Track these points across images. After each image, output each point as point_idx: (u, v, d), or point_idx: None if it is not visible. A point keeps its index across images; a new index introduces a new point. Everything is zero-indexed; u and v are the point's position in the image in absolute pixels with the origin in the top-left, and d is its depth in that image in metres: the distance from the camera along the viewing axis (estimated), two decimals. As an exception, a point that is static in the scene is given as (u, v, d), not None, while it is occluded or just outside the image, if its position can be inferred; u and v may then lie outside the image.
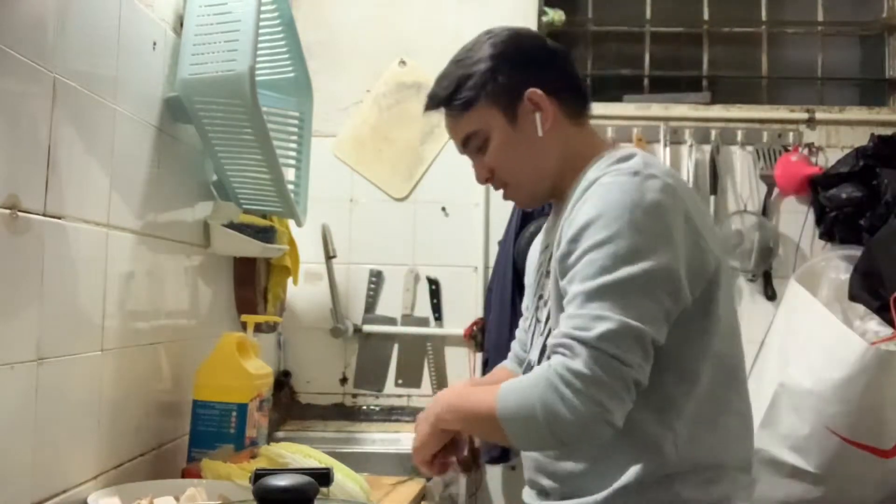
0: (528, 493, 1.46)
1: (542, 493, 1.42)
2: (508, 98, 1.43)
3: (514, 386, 1.27)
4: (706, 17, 3.05)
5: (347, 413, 2.81)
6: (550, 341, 1.25)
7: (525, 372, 1.45)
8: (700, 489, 1.30)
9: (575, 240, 1.28)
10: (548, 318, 1.40)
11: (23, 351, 1.23)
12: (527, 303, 1.59)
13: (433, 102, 1.48)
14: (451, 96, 1.45)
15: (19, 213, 1.21)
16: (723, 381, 1.37)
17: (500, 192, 1.51)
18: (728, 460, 1.34)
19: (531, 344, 1.49)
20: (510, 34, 1.49)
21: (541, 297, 1.47)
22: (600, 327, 1.19)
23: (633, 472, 1.29)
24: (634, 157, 1.36)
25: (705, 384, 1.33)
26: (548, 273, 1.43)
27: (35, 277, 1.26)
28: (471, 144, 1.46)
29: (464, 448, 1.46)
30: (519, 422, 1.24)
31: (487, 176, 1.48)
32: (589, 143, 1.47)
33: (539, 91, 1.43)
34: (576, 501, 1.33)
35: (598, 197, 1.29)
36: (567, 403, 1.17)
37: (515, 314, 1.60)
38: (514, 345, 1.68)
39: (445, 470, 1.45)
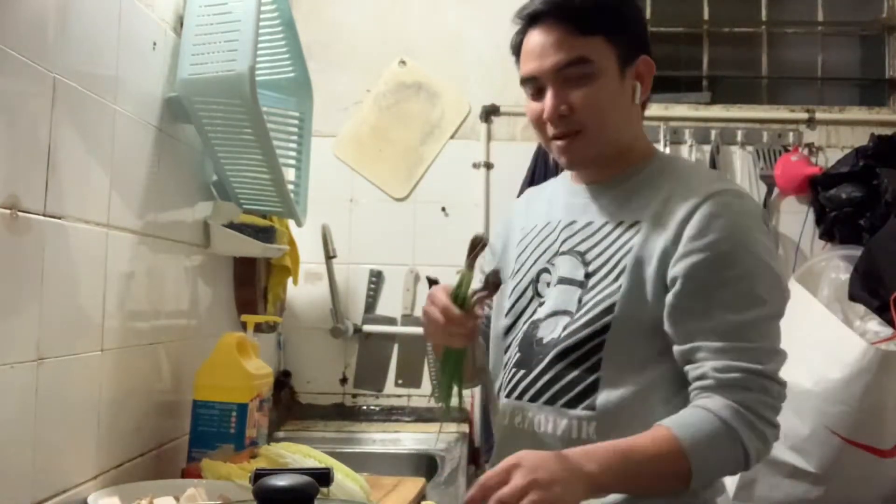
0: None
1: None
2: (628, 49, 1.36)
3: (693, 425, 1.19)
4: (706, 17, 3.05)
5: (347, 413, 2.81)
6: (721, 375, 1.21)
7: (516, 345, 1.39)
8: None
9: (721, 259, 1.24)
10: (580, 301, 1.33)
11: (23, 351, 1.23)
12: (512, 274, 1.47)
13: (558, 9, 1.33)
14: (583, 12, 1.32)
15: (19, 213, 1.21)
16: None
17: (556, 135, 1.36)
18: None
19: (519, 317, 1.41)
20: None
21: (545, 270, 1.40)
22: (778, 360, 1.28)
23: None
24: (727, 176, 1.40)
25: None
26: (578, 252, 1.36)
27: (35, 277, 1.26)
28: (570, 70, 1.32)
29: None
30: (711, 458, 1.20)
31: (564, 112, 1.33)
32: (643, 135, 1.44)
33: (651, 63, 1.39)
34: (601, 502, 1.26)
35: (741, 221, 1.27)
36: (763, 438, 1.24)
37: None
38: None
39: None
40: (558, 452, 1.17)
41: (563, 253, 1.38)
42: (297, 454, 1.65)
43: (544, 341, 1.35)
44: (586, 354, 1.30)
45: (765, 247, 1.28)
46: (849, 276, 2.54)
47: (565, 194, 1.45)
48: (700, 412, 1.20)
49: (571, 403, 1.30)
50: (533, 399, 1.34)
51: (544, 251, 1.42)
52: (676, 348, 1.26)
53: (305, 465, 1.59)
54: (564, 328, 1.33)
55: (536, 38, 1.34)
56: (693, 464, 1.17)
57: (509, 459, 1.14)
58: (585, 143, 1.35)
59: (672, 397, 1.27)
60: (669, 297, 1.26)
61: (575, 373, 1.30)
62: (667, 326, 1.26)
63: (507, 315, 1.45)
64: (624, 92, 1.36)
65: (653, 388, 1.28)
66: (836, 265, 2.62)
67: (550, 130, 1.36)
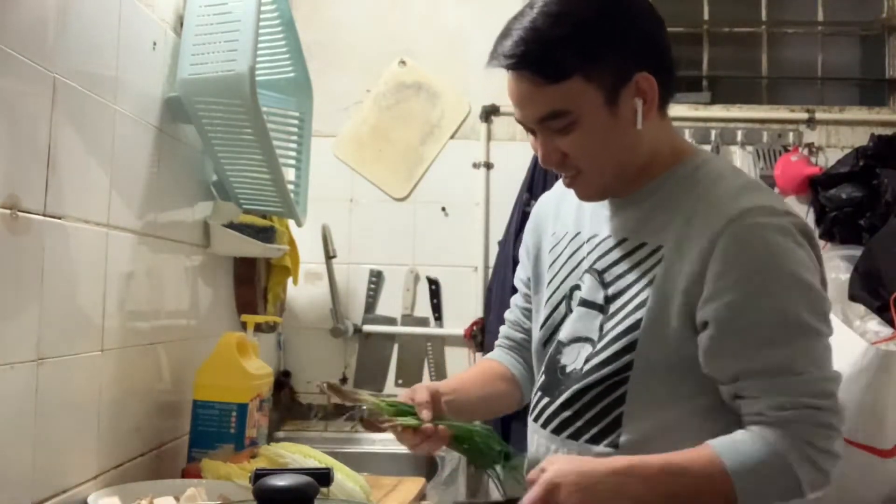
0: None
1: None
2: (614, 77, 1.20)
3: (742, 449, 1.14)
4: (706, 17, 3.04)
5: (347, 413, 2.80)
6: (778, 413, 1.14)
7: (544, 365, 1.36)
8: None
9: (757, 291, 1.16)
10: (601, 329, 1.27)
11: (23, 351, 1.23)
12: (543, 287, 1.42)
13: (514, 61, 1.20)
14: (543, 59, 1.19)
15: (19, 213, 1.21)
16: None
17: (561, 176, 1.31)
18: None
19: (554, 332, 1.36)
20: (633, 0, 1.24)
21: (577, 287, 1.33)
22: (833, 385, 1.17)
23: None
24: (759, 185, 1.28)
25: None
26: (596, 271, 1.30)
27: (35, 277, 1.26)
28: (552, 123, 1.22)
29: None
30: (759, 484, 1.14)
31: (559, 159, 1.25)
32: (667, 139, 1.30)
33: (651, 77, 1.21)
34: None
35: (772, 245, 1.17)
36: (818, 468, 1.17)
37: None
38: (505, 329, 1.57)
39: None
40: (603, 466, 1.15)
41: (587, 270, 1.32)
42: (297, 454, 1.65)
43: (567, 370, 1.31)
44: (608, 390, 1.24)
45: (801, 264, 1.17)
46: (849, 276, 2.54)
47: (592, 203, 1.35)
48: (753, 437, 1.15)
49: (595, 440, 1.25)
50: (556, 431, 1.30)
51: (577, 265, 1.35)
52: (722, 388, 1.20)
53: (305, 465, 1.59)
54: (587, 360, 1.27)
55: (511, 86, 1.24)
56: (737, 488, 1.12)
57: (547, 477, 1.12)
58: (587, 181, 1.28)
59: (700, 433, 1.19)
60: (704, 341, 1.18)
61: (597, 409, 1.25)
62: (706, 368, 1.20)
63: (542, 328, 1.39)
64: (617, 123, 1.22)
65: (679, 424, 1.22)
66: (836, 265, 2.62)
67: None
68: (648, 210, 1.27)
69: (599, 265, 1.30)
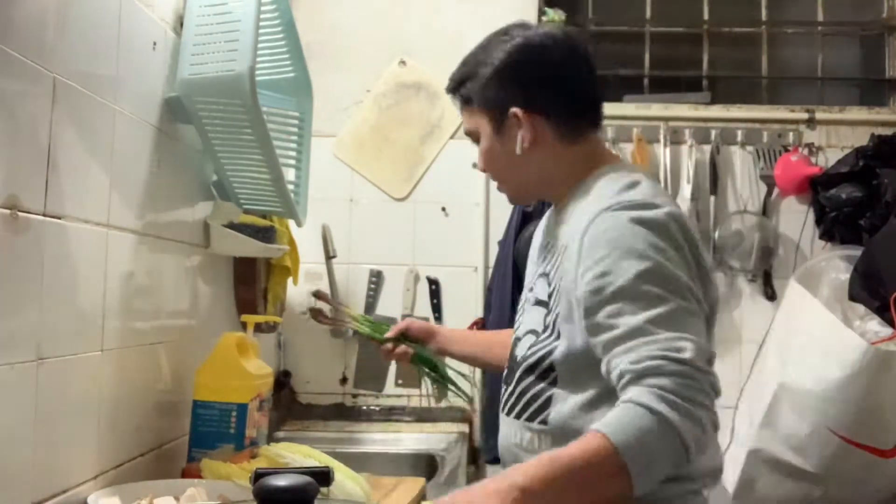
0: None
1: None
2: (496, 112, 1.46)
3: (618, 422, 1.17)
4: (706, 17, 3.05)
5: (347, 413, 2.81)
6: (634, 366, 1.20)
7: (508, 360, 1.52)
8: None
9: (605, 276, 1.28)
10: (544, 321, 1.43)
11: (23, 351, 1.23)
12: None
13: (448, 87, 1.55)
14: (456, 89, 1.52)
15: (19, 213, 1.21)
16: None
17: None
18: None
19: (519, 328, 1.53)
20: (524, 43, 1.47)
21: (531, 289, 1.52)
22: (693, 349, 1.20)
23: None
24: (639, 185, 1.38)
25: None
26: (543, 274, 1.48)
27: (35, 277, 1.26)
28: (470, 137, 1.53)
29: None
30: (646, 448, 1.15)
31: (484, 168, 1.54)
32: (584, 160, 1.47)
33: (521, 112, 1.44)
34: None
35: (618, 235, 1.30)
36: (694, 419, 1.17)
37: (515, 314, 1.61)
38: None
39: None
40: (496, 476, 1.18)
41: (539, 275, 1.50)
42: (297, 454, 1.65)
43: (517, 359, 1.47)
44: (544, 373, 1.39)
45: (655, 248, 1.28)
46: (849, 276, 2.54)
47: (549, 215, 1.58)
48: (622, 406, 1.18)
49: (531, 417, 1.40)
50: (507, 413, 1.46)
51: (534, 272, 1.54)
52: (602, 364, 1.27)
53: (305, 465, 1.59)
54: (529, 348, 1.44)
55: None
56: (626, 457, 1.13)
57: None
58: (505, 191, 1.55)
59: (595, 406, 1.32)
60: (582, 322, 1.32)
61: (534, 389, 1.40)
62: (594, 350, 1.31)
63: (516, 329, 1.56)
64: (504, 147, 1.46)
65: (597, 402, 1.32)
66: (836, 265, 2.62)
67: None
68: (563, 215, 1.46)
69: (545, 268, 1.48)
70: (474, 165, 1.61)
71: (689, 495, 1.35)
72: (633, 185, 1.38)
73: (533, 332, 1.45)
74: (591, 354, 1.31)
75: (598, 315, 1.27)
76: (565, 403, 1.36)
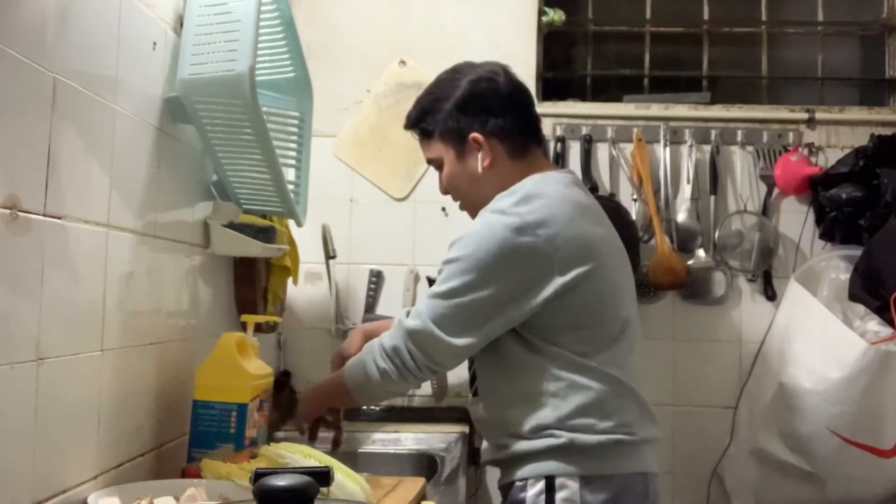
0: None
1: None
2: (457, 139, 1.78)
3: (353, 360, 1.78)
4: (706, 17, 3.05)
5: (347, 413, 2.78)
6: (404, 309, 1.76)
7: None
8: None
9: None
10: None
11: (23, 351, 1.23)
12: None
13: (407, 123, 1.87)
14: (416, 123, 1.84)
15: (19, 213, 1.21)
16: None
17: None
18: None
19: None
20: (475, 78, 1.79)
21: None
22: (413, 323, 1.66)
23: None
24: (514, 194, 1.67)
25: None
26: None
27: (35, 277, 1.26)
28: (433, 165, 1.85)
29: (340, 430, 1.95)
30: (358, 386, 1.76)
31: (446, 190, 1.85)
32: (527, 171, 1.76)
33: (480, 136, 1.76)
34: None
35: (474, 224, 1.69)
36: (380, 372, 1.71)
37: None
38: None
39: (316, 437, 1.92)
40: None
41: None
42: (297, 454, 1.64)
43: None
44: (475, 357, 1.77)
45: (474, 243, 1.65)
46: (849, 276, 2.54)
47: None
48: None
49: (474, 392, 1.81)
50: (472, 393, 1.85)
51: None
52: None
53: (305, 465, 1.59)
54: None
55: None
56: (347, 381, 1.78)
57: None
58: (467, 210, 1.85)
59: (505, 374, 1.71)
60: None
61: (473, 369, 1.81)
62: None
63: None
64: (467, 169, 1.79)
65: (493, 370, 1.74)
66: (836, 265, 2.62)
67: None
68: None
69: None
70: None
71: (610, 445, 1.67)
72: (509, 193, 1.69)
73: None
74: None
75: None
76: (482, 376, 1.77)
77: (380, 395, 1.93)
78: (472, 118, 1.77)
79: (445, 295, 1.65)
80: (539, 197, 1.67)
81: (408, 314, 1.70)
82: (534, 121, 1.83)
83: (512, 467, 1.71)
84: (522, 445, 1.68)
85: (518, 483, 1.69)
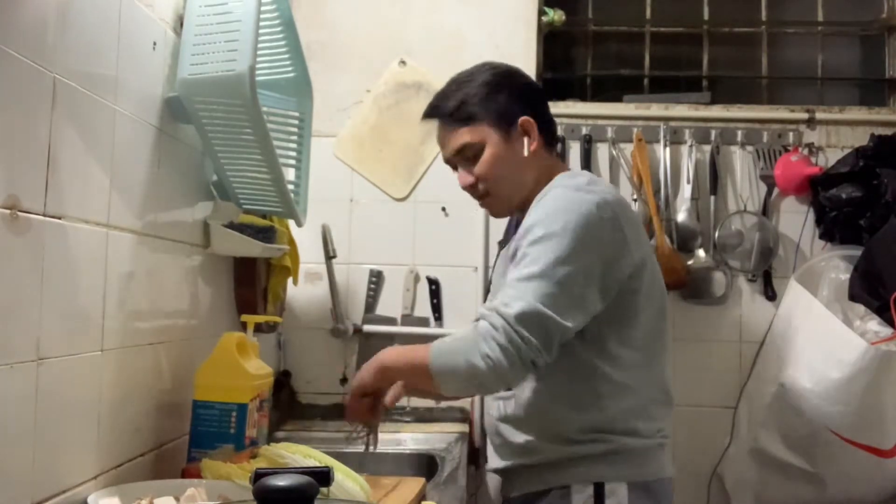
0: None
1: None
2: (506, 119, 1.72)
3: (443, 343, 1.59)
4: (706, 17, 3.05)
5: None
6: (480, 309, 1.56)
7: None
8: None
9: (522, 237, 1.60)
10: None
11: (23, 351, 1.23)
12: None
13: (435, 112, 1.77)
14: (455, 109, 1.73)
15: (19, 213, 1.21)
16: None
17: (477, 200, 1.80)
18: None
19: None
20: (508, 68, 1.80)
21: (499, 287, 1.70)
22: (517, 306, 1.50)
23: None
24: (581, 176, 1.70)
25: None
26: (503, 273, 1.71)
27: (35, 277, 1.26)
28: (464, 153, 1.73)
29: (381, 413, 1.75)
30: (446, 373, 1.56)
31: (472, 182, 1.75)
32: (553, 167, 1.75)
33: (531, 120, 1.73)
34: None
35: (545, 205, 1.61)
36: (484, 360, 1.49)
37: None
38: None
39: (367, 418, 1.74)
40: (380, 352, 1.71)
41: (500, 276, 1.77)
42: (297, 454, 1.65)
43: None
44: None
45: (561, 220, 1.57)
46: (849, 276, 2.54)
47: (514, 220, 1.93)
48: (458, 333, 1.60)
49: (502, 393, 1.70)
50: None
51: (503, 267, 1.77)
52: None
53: (305, 465, 1.59)
54: None
55: (437, 132, 1.79)
56: (430, 358, 1.57)
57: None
58: (495, 200, 1.77)
59: (552, 371, 1.59)
60: None
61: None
62: None
63: None
64: (512, 152, 1.72)
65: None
66: (836, 265, 2.62)
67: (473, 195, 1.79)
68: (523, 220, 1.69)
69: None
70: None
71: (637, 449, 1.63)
72: (574, 175, 1.70)
73: None
74: None
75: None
76: None
77: (467, 389, 1.68)
78: (519, 102, 1.74)
79: (544, 274, 1.52)
80: (602, 183, 1.71)
81: (489, 313, 1.53)
82: (553, 120, 1.84)
83: (545, 473, 1.63)
84: (566, 449, 1.61)
85: (557, 490, 1.61)
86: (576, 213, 1.56)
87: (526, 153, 1.72)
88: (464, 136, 1.72)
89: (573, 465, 1.60)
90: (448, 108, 1.74)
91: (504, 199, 1.75)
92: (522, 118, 1.72)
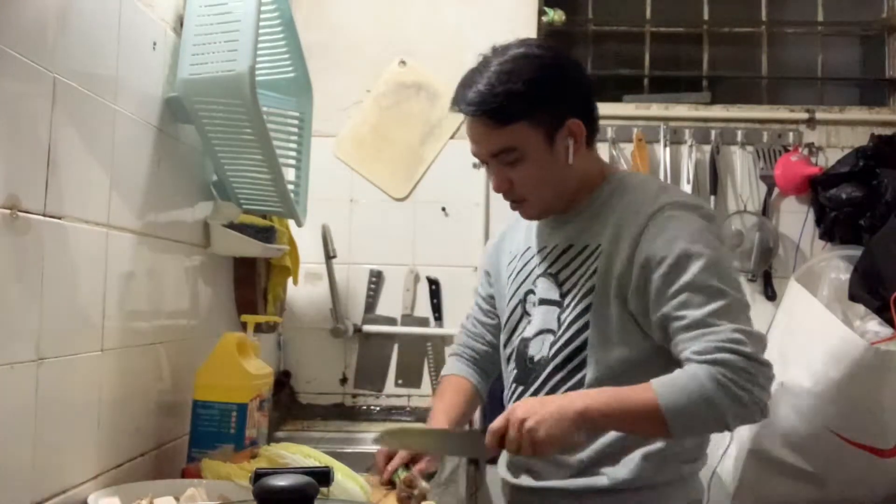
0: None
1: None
2: (551, 123, 1.52)
3: (676, 384, 1.38)
4: (706, 17, 3.05)
5: (347, 413, 2.81)
6: (703, 346, 1.37)
7: (513, 361, 1.64)
8: None
9: (674, 268, 1.43)
10: (559, 320, 1.56)
11: (23, 351, 1.23)
12: (503, 298, 1.71)
13: (475, 108, 1.51)
14: (498, 108, 1.49)
15: (19, 213, 1.21)
16: None
17: (509, 201, 1.61)
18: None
19: (513, 332, 1.65)
20: (556, 58, 1.56)
21: (531, 291, 1.62)
22: (751, 341, 1.37)
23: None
24: (668, 186, 1.63)
25: None
26: (550, 274, 1.59)
27: (35, 277, 1.26)
28: (502, 157, 1.53)
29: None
30: (687, 414, 1.37)
31: (508, 187, 1.56)
32: (595, 165, 1.62)
33: (580, 122, 1.53)
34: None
35: (682, 230, 1.46)
36: (738, 401, 1.35)
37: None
38: (464, 338, 1.84)
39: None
40: (554, 396, 1.47)
41: (541, 275, 1.61)
42: (297, 454, 1.64)
43: (535, 359, 1.58)
44: (574, 370, 1.53)
45: (711, 244, 1.46)
46: (849, 276, 2.54)
47: (540, 222, 1.67)
48: (682, 371, 1.39)
49: None
50: None
51: (529, 273, 1.64)
52: (671, 346, 1.45)
53: (305, 465, 1.59)
54: (551, 346, 1.55)
55: (469, 125, 1.55)
56: (667, 416, 1.36)
57: (508, 410, 1.41)
58: (531, 206, 1.60)
59: (644, 380, 1.43)
60: (653, 317, 1.46)
61: (566, 386, 1.53)
62: (657, 339, 1.48)
63: (503, 330, 1.69)
64: (555, 158, 1.53)
65: (626, 377, 1.46)
66: (836, 265, 2.62)
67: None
68: (587, 220, 1.58)
69: (552, 269, 1.59)
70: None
71: (689, 476, 1.59)
72: (667, 188, 1.59)
73: (549, 331, 1.57)
74: (621, 344, 1.49)
75: (666, 310, 1.42)
76: (596, 382, 1.50)
77: (701, 430, 1.52)
78: (567, 101, 1.53)
79: (737, 304, 1.42)
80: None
81: (710, 351, 1.37)
82: (596, 106, 1.62)
83: (644, 493, 1.53)
84: (669, 471, 1.53)
85: None
86: (712, 235, 1.49)
87: (571, 160, 1.53)
88: (503, 137, 1.51)
89: (672, 487, 1.55)
90: (488, 106, 1.49)
91: (541, 205, 1.59)
92: (570, 121, 1.52)
